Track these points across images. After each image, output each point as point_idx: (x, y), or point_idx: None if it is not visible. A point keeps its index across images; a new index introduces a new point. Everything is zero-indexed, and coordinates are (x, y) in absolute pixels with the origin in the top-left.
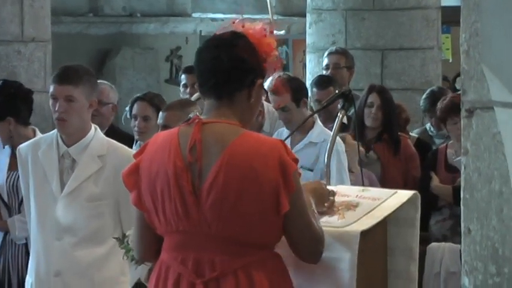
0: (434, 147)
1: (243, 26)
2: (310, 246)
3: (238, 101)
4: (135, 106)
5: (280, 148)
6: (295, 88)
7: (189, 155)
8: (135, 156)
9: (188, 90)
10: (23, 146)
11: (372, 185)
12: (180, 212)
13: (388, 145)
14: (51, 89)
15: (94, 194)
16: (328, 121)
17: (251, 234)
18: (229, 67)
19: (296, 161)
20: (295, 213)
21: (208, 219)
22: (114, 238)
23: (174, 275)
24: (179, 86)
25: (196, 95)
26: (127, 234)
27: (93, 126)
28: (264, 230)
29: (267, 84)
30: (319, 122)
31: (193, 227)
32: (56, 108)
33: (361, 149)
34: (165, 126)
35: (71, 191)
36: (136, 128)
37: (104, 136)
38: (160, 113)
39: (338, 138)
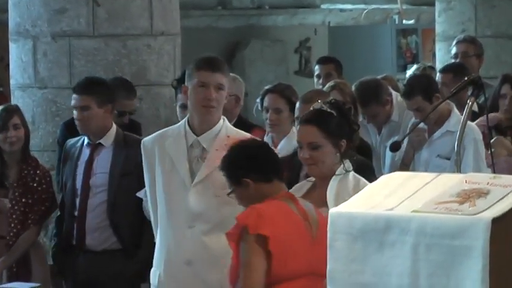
0: None
1: None
2: None
3: None
4: (266, 98)
5: None
6: (424, 87)
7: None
8: (254, 228)
9: (321, 80)
10: (147, 139)
11: None
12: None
13: None
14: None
15: (225, 182)
16: (458, 109)
17: None
18: None
19: None
20: None
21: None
22: None
23: None
24: (308, 77)
25: (329, 85)
26: None
27: (222, 117)
28: None
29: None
30: (455, 111)
31: (314, 267)
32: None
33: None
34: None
35: (202, 179)
36: (268, 121)
37: (232, 127)
38: (297, 104)
39: (475, 126)
